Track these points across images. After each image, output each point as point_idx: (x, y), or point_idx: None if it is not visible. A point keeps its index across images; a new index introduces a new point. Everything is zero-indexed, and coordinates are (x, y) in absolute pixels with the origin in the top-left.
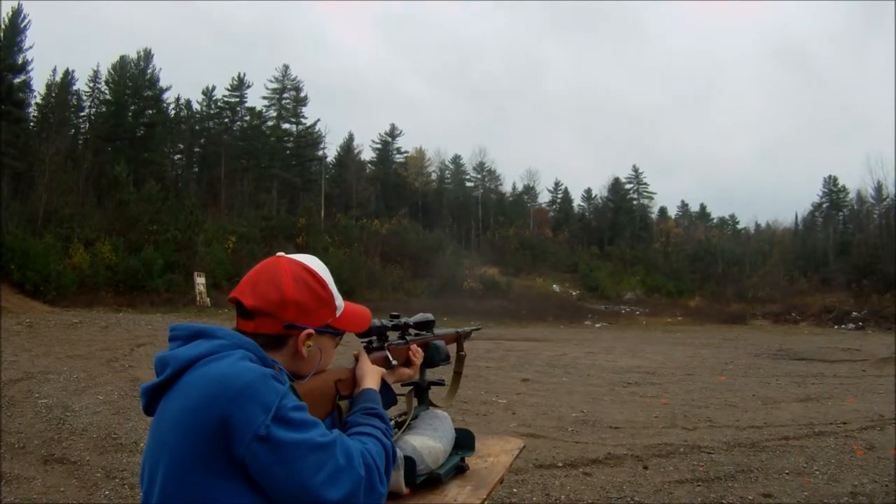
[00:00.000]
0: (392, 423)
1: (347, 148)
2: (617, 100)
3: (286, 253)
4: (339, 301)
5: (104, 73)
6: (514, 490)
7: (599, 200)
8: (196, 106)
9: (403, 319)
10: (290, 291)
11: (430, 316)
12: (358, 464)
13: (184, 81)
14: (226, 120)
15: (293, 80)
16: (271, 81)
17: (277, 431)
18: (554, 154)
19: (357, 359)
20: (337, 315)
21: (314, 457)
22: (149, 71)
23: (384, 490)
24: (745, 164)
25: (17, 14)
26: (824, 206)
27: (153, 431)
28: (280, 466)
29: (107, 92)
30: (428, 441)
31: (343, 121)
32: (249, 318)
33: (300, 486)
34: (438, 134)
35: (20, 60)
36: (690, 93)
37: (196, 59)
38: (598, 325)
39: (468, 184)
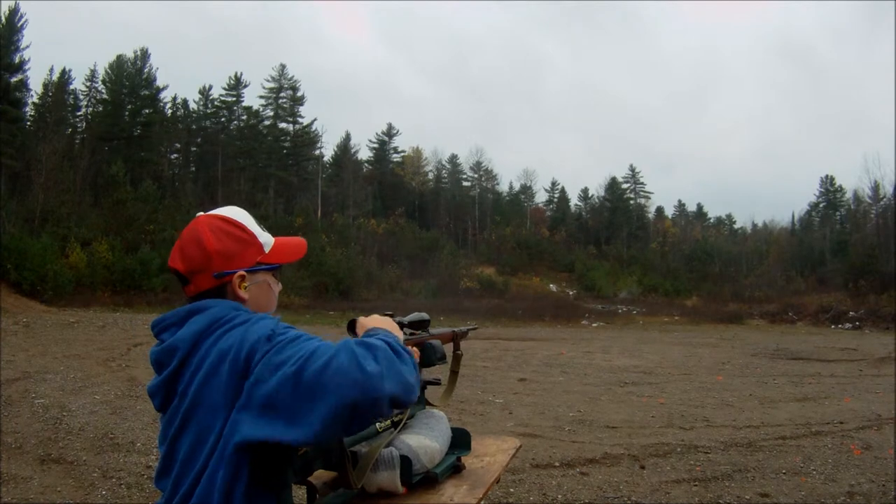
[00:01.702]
0: (388, 422)
1: (344, 147)
2: (616, 98)
3: (206, 211)
4: (266, 238)
5: (101, 73)
6: (511, 490)
7: (596, 200)
8: (193, 105)
9: (398, 318)
10: (210, 243)
11: (425, 315)
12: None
13: (181, 80)
14: (222, 119)
15: (290, 80)
16: (268, 81)
17: (273, 342)
18: (551, 153)
19: None
20: (266, 251)
21: (306, 342)
22: (145, 70)
23: (372, 370)
24: (744, 163)
25: (13, 13)
26: (821, 205)
27: (185, 412)
28: (277, 354)
29: (104, 91)
30: (424, 440)
31: (340, 118)
32: (187, 282)
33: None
34: (435, 132)
35: (17, 60)
36: (690, 91)
37: (193, 57)
38: (594, 325)
39: (465, 183)
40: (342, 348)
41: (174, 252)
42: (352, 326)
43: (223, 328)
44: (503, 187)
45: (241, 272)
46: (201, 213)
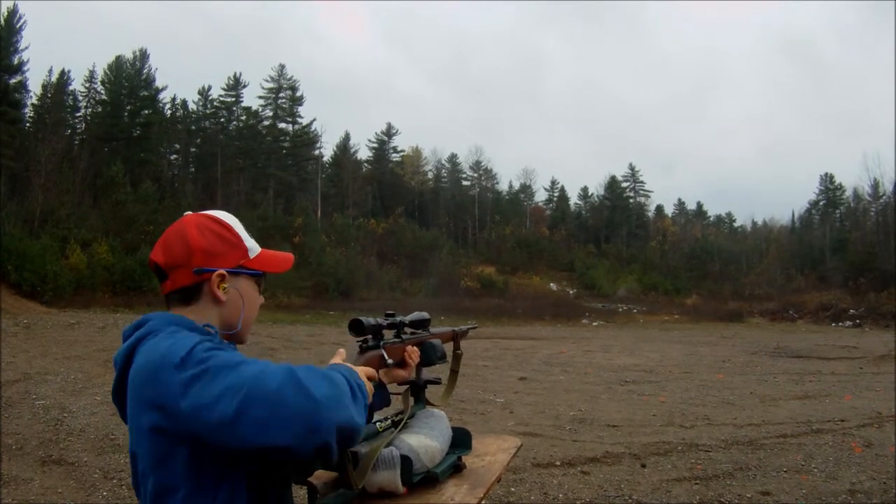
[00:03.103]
0: (388, 422)
1: (344, 147)
2: (616, 97)
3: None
4: (252, 244)
5: (100, 74)
6: (512, 489)
7: (596, 199)
8: (192, 106)
9: (399, 318)
10: (194, 240)
11: (425, 314)
12: (274, 371)
13: (180, 81)
14: (222, 120)
15: (289, 80)
16: (267, 81)
17: (189, 371)
18: (551, 152)
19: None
20: (251, 257)
21: (237, 369)
22: (145, 71)
23: (318, 397)
24: (744, 162)
25: (12, 14)
26: (821, 203)
27: (129, 428)
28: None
29: (103, 92)
30: (425, 440)
31: (339, 118)
32: (165, 277)
33: (198, 407)
34: (435, 131)
35: (16, 61)
36: (691, 90)
37: (192, 58)
38: (595, 324)
39: (465, 183)
40: (283, 374)
41: (157, 246)
42: (353, 326)
43: (146, 340)
44: (503, 186)
45: (222, 271)
46: (189, 212)
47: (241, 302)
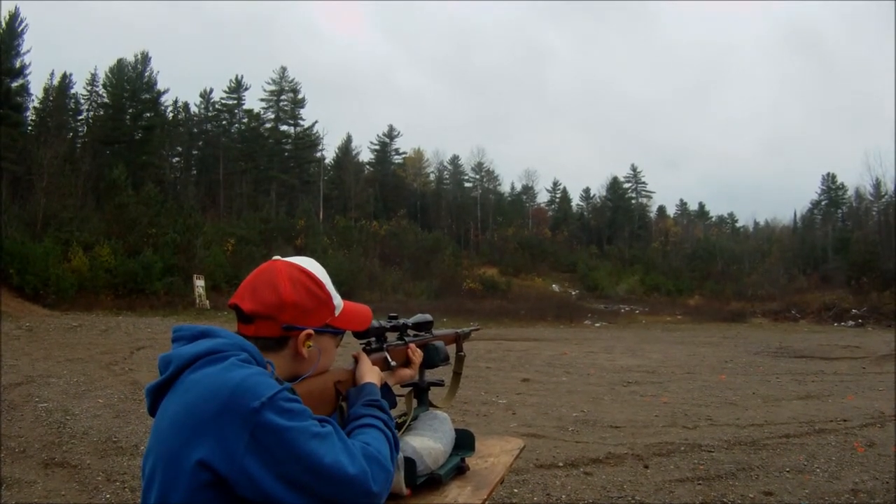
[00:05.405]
0: None
1: (346, 149)
2: (619, 92)
3: (283, 256)
4: (338, 300)
5: (102, 77)
6: (515, 490)
7: (598, 200)
8: (194, 108)
9: (402, 320)
10: (287, 294)
11: (428, 316)
12: (359, 457)
13: (180, 82)
14: (224, 122)
15: (291, 82)
16: (269, 83)
17: (270, 415)
18: (553, 152)
19: (356, 359)
20: (336, 314)
21: (316, 443)
22: (146, 74)
23: (390, 480)
24: (747, 160)
25: (14, 17)
26: (823, 203)
27: (154, 430)
28: (280, 449)
29: (104, 95)
30: (428, 442)
31: (340, 117)
32: (249, 322)
33: (309, 466)
34: (436, 129)
35: (18, 64)
36: (695, 85)
37: (191, 58)
38: (597, 325)
39: (467, 184)
40: (361, 464)
41: (243, 290)
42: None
43: (214, 357)
44: (505, 188)
45: (310, 330)
46: (278, 256)
47: (318, 359)
